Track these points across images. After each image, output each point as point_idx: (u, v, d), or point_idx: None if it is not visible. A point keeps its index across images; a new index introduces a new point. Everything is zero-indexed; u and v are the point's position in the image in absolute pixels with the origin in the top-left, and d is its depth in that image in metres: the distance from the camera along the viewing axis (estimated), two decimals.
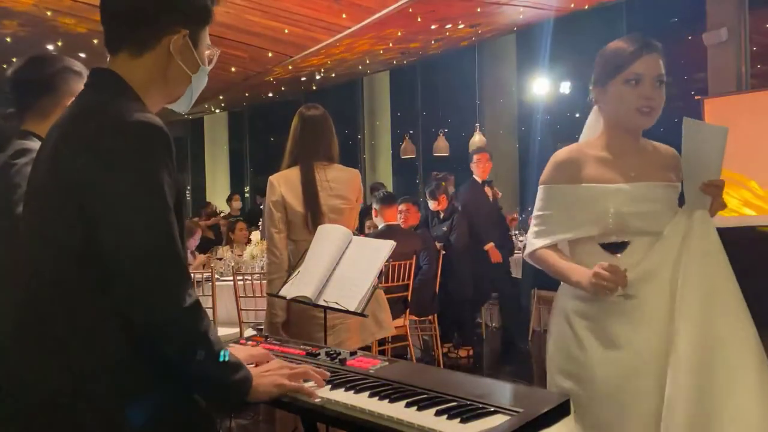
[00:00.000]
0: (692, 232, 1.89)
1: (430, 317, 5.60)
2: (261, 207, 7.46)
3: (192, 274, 4.42)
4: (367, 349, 3.26)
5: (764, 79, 7.05)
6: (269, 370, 1.41)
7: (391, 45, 8.51)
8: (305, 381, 1.44)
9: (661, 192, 1.96)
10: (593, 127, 2.09)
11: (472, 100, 9.62)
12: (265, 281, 3.52)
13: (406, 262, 5.00)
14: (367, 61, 9.60)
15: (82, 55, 7.34)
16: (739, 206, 6.10)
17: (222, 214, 10.35)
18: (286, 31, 7.47)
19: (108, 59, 1.35)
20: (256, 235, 5.62)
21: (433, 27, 7.76)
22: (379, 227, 5.26)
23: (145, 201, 1.20)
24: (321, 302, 2.40)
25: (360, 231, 5.78)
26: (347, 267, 2.45)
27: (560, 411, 1.27)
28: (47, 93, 1.95)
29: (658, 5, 7.80)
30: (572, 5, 7.27)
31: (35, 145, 1.80)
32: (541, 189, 2.04)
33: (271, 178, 2.98)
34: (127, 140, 1.21)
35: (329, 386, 1.44)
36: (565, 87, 8.85)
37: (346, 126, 11.44)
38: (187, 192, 15.27)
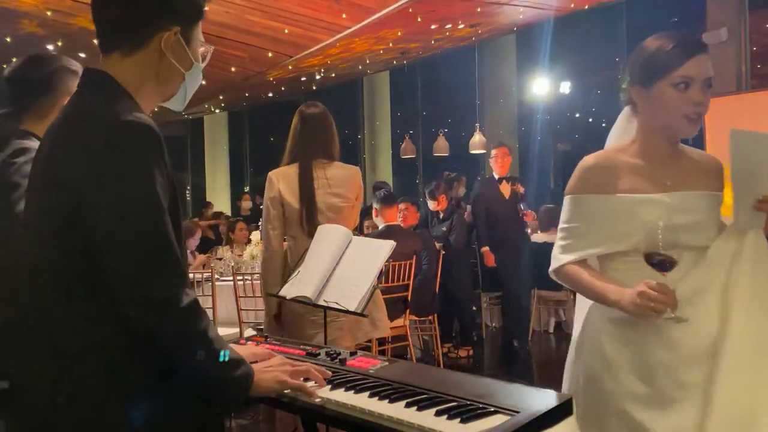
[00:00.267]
0: (744, 253, 1.70)
1: (430, 317, 5.60)
2: (261, 207, 7.45)
3: (191, 274, 4.43)
4: (367, 349, 3.26)
5: (764, 79, 7.05)
6: (271, 366, 1.41)
7: (391, 45, 8.50)
8: (306, 380, 1.44)
9: (704, 202, 1.78)
10: (625, 130, 1.91)
11: (472, 100, 9.62)
12: None
13: (406, 262, 5.00)
14: (367, 61, 9.60)
15: (82, 55, 7.33)
16: None
17: (225, 216, 10.34)
18: (286, 31, 7.46)
19: (101, 60, 1.35)
20: (256, 235, 5.61)
21: (433, 27, 7.76)
22: (380, 227, 5.26)
23: (137, 201, 1.20)
24: (321, 302, 2.40)
25: (360, 231, 5.78)
26: (347, 267, 2.45)
27: (561, 411, 1.27)
28: (45, 93, 1.94)
29: (658, 5, 7.79)
30: (572, 5, 7.26)
31: (34, 144, 1.80)
32: (567, 199, 1.84)
33: (270, 174, 2.98)
34: (119, 141, 1.21)
35: (329, 386, 1.44)
36: (565, 87, 8.86)
37: (346, 126, 11.44)
38: (187, 192, 15.30)
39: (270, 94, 12.08)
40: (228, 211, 12.51)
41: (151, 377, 1.23)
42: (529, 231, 6.54)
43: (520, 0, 6.94)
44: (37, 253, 1.28)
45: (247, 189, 14.06)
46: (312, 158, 2.96)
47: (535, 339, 6.44)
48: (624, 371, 1.72)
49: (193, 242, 6.45)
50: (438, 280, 5.59)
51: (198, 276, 5.05)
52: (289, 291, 2.50)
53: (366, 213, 6.06)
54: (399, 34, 7.87)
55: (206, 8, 1.42)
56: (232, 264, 5.59)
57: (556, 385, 1.91)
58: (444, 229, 6.06)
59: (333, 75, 10.44)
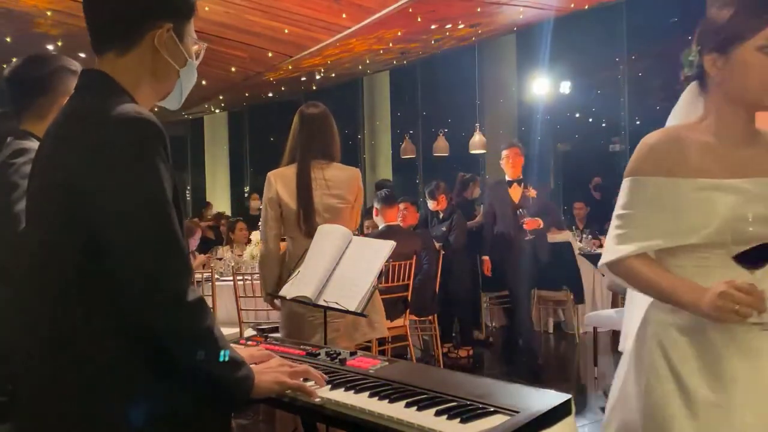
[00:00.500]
0: None
1: (430, 317, 5.60)
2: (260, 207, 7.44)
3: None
4: (367, 349, 3.25)
5: None
6: (270, 368, 1.41)
7: (391, 45, 8.51)
8: (305, 380, 1.44)
9: None
10: (692, 105, 1.68)
11: (472, 100, 9.62)
12: None
13: (406, 262, 5.00)
14: (367, 61, 9.60)
15: (82, 55, 7.33)
16: None
17: (225, 216, 10.33)
18: (286, 31, 7.47)
19: (96, 62, 1.35)
20: (256, 235, 5.61)
21: (433, 27, 7.76)
22: (380, 227, 5.26)
23: (144, 196, 1.20)
24: (321, 302, 2.40)
25: (360, 231, 5.78)
26: (347, 267, 2.45)
27: (560, 411, 1.27)
28: (44, 93, 1.94)
29: (658, 5, 7.80)
30: (572, 5, 7.26)
31: (33, 145, 1.80)
32: (626, 181, 1.61)
33: (269, 174, 2.98)
34: (121, 135, 1.21)
35: (329, 386, 1.44)
36: (565, 87, 8.86)
37: (346, 126, 11.43)
38: (187, 192, 15.29)
39: (270, 94, 12.08)
40: (228, 211, 12.51)
41: (152, 377, 1.23)
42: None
43: (520, 0, 6.94)
44: (38, 254, 1.28)
45: (247, 189, 14.06)
46: (310, 159, 2.95)
47: (535, 339, 6.44)
48: (693, 385, 1.51)
49: (194, 242, 6.46)
50: (438, 280, 5.59)
51: (198, 276, 5.06)
52: (289, 291, 2.50)
53: (366, 213, 6.06)
54: (399, 34, 7.88)
55: (198, 7, 1.42)
56: (232, 264, 5.59)
57: (556, 385, 1.89)
58: (444, 229, 6.05)
59: (333, 75, 10.44)
